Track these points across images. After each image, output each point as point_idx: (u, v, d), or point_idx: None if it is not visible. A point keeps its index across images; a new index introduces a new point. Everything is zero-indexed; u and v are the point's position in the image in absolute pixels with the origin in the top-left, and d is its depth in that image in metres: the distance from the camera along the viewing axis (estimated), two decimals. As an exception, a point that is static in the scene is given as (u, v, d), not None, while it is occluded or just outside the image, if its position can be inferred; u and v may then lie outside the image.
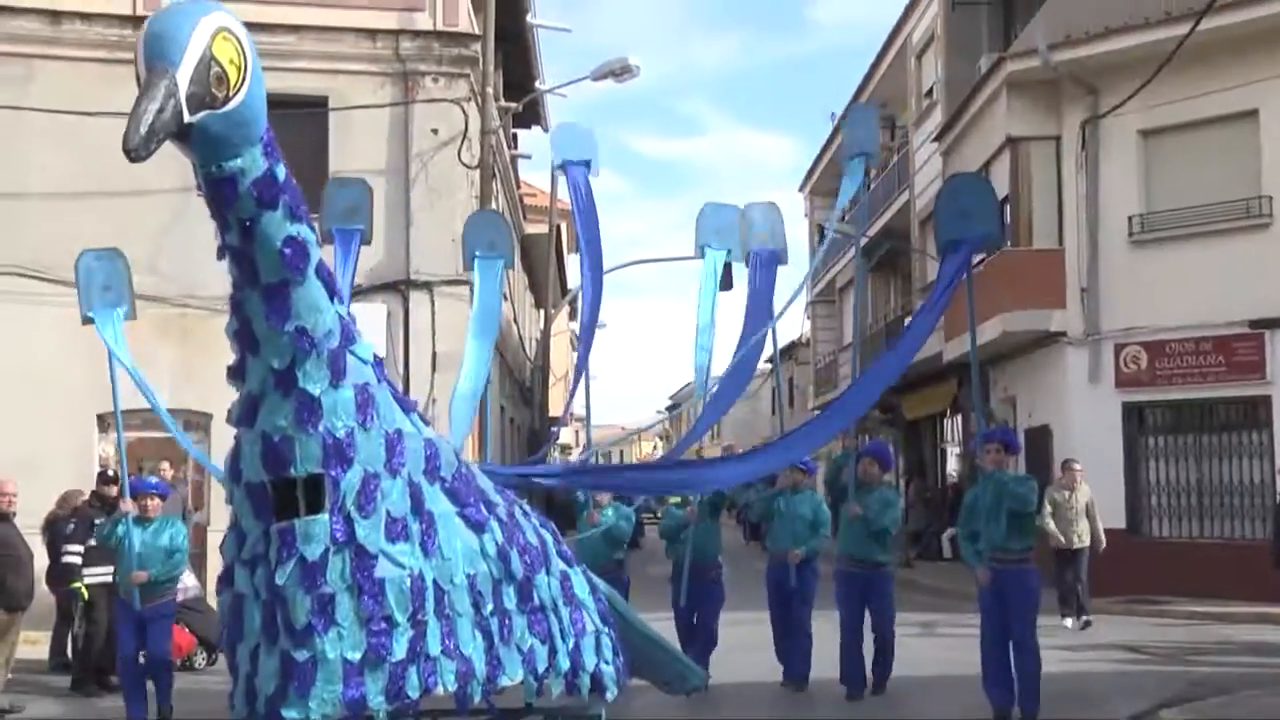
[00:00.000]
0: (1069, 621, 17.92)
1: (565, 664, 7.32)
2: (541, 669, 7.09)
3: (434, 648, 6.31)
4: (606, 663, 7.83)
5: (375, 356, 6.48)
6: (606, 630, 7.96)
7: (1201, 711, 11.86)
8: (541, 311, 34.85)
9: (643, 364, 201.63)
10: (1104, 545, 18.50)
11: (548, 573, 7.38)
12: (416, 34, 20.08)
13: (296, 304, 5.83)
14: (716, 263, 11.51)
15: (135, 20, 19.38)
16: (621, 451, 79.57)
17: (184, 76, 4.99)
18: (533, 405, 32.34)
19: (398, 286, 19.45)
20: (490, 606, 6.71)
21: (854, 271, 38.29)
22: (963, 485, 28.30)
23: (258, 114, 5.54)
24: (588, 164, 10.90)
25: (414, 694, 6.22)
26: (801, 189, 49.83)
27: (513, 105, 26.06)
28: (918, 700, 12.80)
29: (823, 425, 10.27)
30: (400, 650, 6.15)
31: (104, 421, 17.43)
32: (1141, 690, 13.03)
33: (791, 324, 50.27)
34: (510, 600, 6.89)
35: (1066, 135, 23.33)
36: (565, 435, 56.73)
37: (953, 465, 33.32)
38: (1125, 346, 22.58)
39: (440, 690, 6.31)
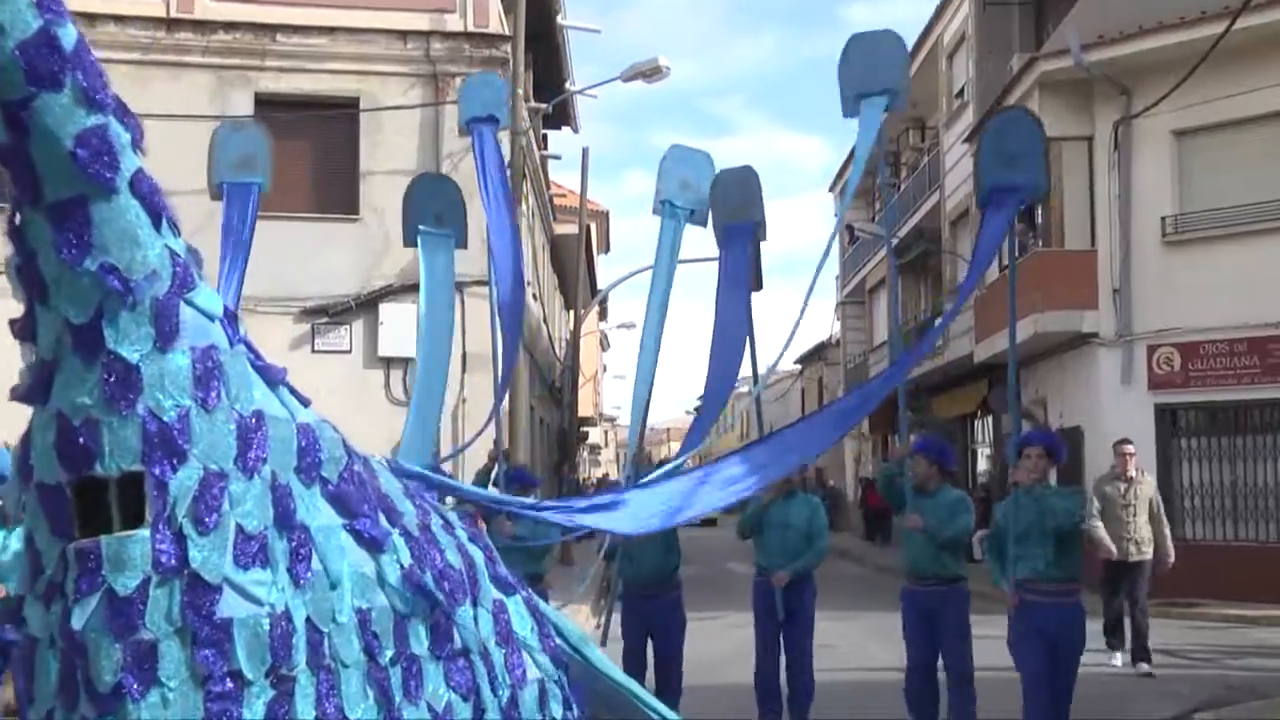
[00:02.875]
0: (1118, 658, 14.92)
1: None
2: None
3: (305, 712, 4.42)
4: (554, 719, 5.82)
5: (228, 311, 4.54)
6: (556, 677, 5.91)
7: (1237, 714, 11.82)
8: (571, 312, 34.90)
9: (671, 364, 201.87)
10: (1172, 559, 15.19)
11: (475, 604, 5.40)
12: (447, 35, 20.21)
13: (101, 230, 3.98)
14: (677, 225, 9.49)
15: (168, 23, 19.74)
16: (650, 452, 79.86)
17: None
18: (562, 406, 32.41)
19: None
20: (391, 653, 4.80)
21: (884, 272, 38.38)
22: (992, 487, 28.18)
23: None
24: (496, 120, 9.08)
25: None
26: (832, 189, 49.86)
27: (543, 106, 26.15)
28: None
29: (835, 418, 7.43)
30: (255, 718, 4.27)
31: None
32: (1175, 694, 12.96)
33: (821, 324, 50.30)
34: (420, 643, 4.98)
35: (1099, 135, 23.32)
36: (594, 435, 56.97)
37: (983, 466, 33.25)
38: (1158, 348, 22.61)
39: None
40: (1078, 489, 9.42)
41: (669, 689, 11.10)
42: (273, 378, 4.67)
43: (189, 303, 4.27)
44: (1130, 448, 14.99)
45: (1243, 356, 21.73)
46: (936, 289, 33.90)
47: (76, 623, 4.06)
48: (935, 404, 34.49)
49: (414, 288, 18.67)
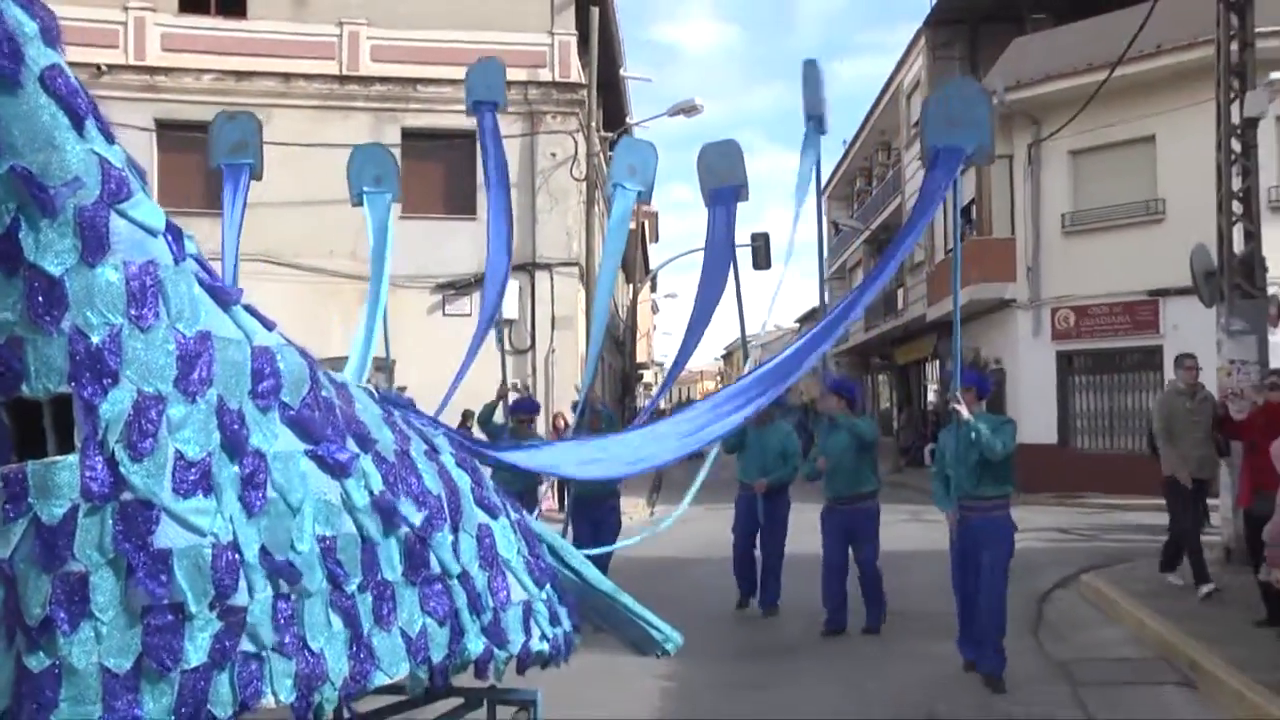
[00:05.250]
0: (1173, 577, 10.68)
1: (477, 646, 4.25)
2: (439, 657, 4.08)
3: (258, 644, 3.36)
4: (543, 638, 4.69)
5: (172, 226, 3.38)
6: (543, 596, 4.78)
7: (1111, 574, 11.85)
8: (631, 285, 34.97)
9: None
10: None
11: (455, 529, 4.32)
12: (540, 84, 20.25)
13: (9, 130, 2.93)
14: (627, 204, 8.61)
15: (340, 79, 19.85)
16: (686, 389, 79.79)
17: None
18: (624, 354, 32.60)
19: (526, 268, 19.70)
20: (358, 580, 3.75)
21: (861, 255, 38.27)
22: (940, 414, 28.24)
23: None
24: (495, 105, 8.08)
25: (223, 712, 3.25)
26: (820, 195, 49.34)
27: (609, 135, 26.15)
28: (900, 572, 10.72)
29: (794, 360, 6.10)
30: (198, 653, 3.19)
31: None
32: (1070, 560, 13.08)
33: (811, 295, 49.83)
34: (393, 569, 3.93)
35: (1017, 154, 23.23)
36: (648, 376, 57.11)
37: (931, 398, 33.32)
38: (1059, 310, 22.70)
39: (270, 701, 3.39)
40: (1008, 419, 8.06)
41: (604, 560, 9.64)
42: (226, 298, 3.53)
43: (122, 214, 3.16)
44: (1192, 361, 10.68)
45: (1118, 316, 21.88)
46: (899, 268, 33.78)
47: (3, 551, 3.09)
48: (897, 352, 34.44)
49: (516, 270, 19.02)
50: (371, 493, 3.86)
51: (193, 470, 3.25)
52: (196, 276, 3.43)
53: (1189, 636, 8.44)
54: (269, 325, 3.71)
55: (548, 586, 4.85)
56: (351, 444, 3.86)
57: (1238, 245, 12.49)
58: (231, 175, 7.78)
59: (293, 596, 3.49)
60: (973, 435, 7.35)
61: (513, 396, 10.75)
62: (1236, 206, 12.53)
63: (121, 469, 3.11)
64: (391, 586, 3.90)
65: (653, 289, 54.46)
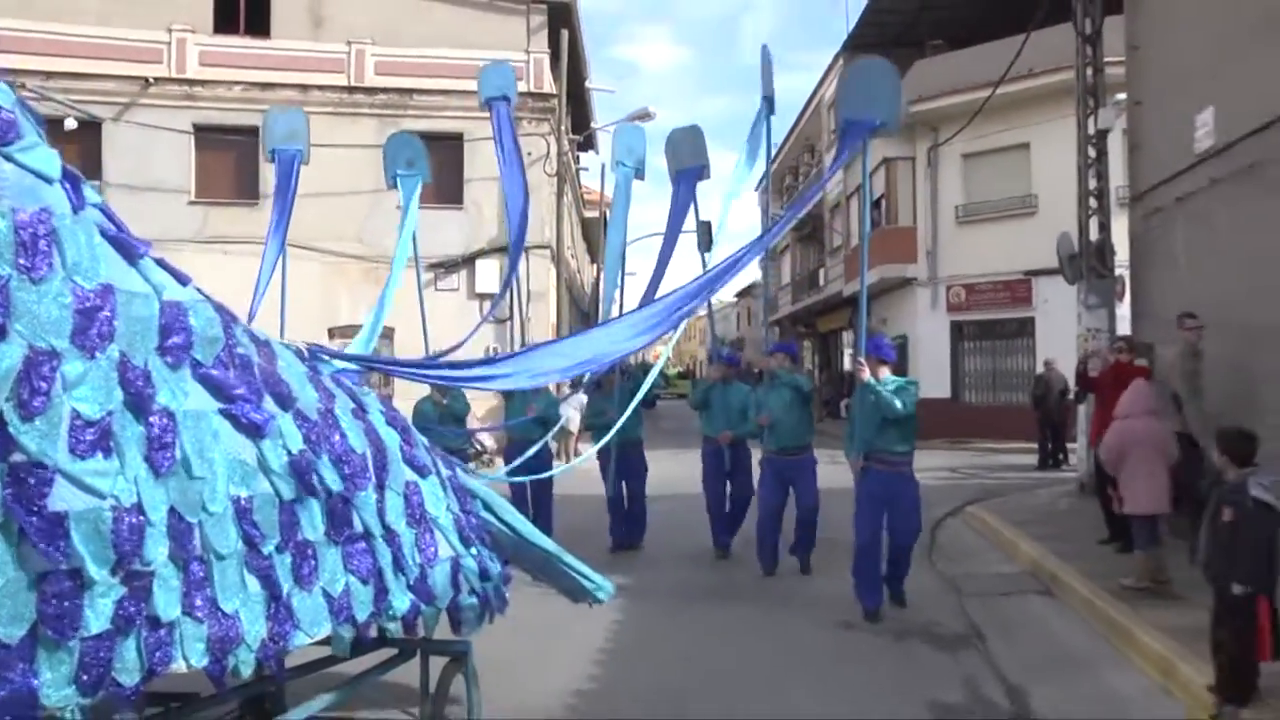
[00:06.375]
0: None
1: (403, 603, 3.70)
2: (364, 615, 3.50)
3: (167, 608, 2.76)
4: (473, 593, 4.13)
5: (70, 173, 2.78)
6: (472, 553, 4.17)
7: (990, 505, 11.98)
8: (595, 265, 34.91)
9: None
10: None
11: (381, 487, 3.69)
12: (519, 94, 20.13)
13: None
14: (628, 175, 8.86)
15: (349, 89, 19.77)
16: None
17: None
18: (589, 322, 32.65)
19: (505, 250, 19.68)
20: (276, 540, 3.16)
21: (789, 240, 38.37)
22: (854, 378, 28.52)
23: None
24: (508, 99, 8.00)
25: (129, 679, 2.66)
26: (758, 189, 49.29)
27: (576, 138, 26.14)
28: (821, 507, 9.12)
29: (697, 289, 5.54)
30: (99, 619, 2.60)
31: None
32: (958, 495, 13.15)
33: (751, 273, 49.87)
34: (314, 529, 3.34)
35: (919, 156, 23.21)
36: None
37: (847, 362, 33.51)
38: (951, 287, 22.72)
39: (181, 666, 2.82)
40: (912, 380, 7.44)
41: (543, 515, 9.28)
42: (132, 250, 2.90)
43: (9, 157, 2.59)
44: (1195, 321, 8.27)
45: (1000, 292, 21.94)
46: (820, 251, 33.88)
47: None
48: (819, 322, 34.55)
49: (499, 250, 19.09)
50: (290, 452, 3.24)
51: (91, 430, 2.63)
52: (100, 227, 2.80)
53: (1050, 555, 8.66)
54: (183, 280, 3.07)
55: (477, 543, 4.22)
56: (270, 403, 3.24)
57: (1093, 234, 12.79)
58: (283, 161, 7.69)
59: (205, 558, 2.90)
60: (872, 396, 7.01)
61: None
62: (1093, 202, 12.82)
63: (11, 429, 2.47)
64: (313, 546, 3.31)
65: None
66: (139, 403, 2.75)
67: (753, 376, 13.90)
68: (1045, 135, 19.90)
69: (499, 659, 5.60)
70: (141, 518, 2.70)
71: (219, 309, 3.17)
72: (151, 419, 2.78)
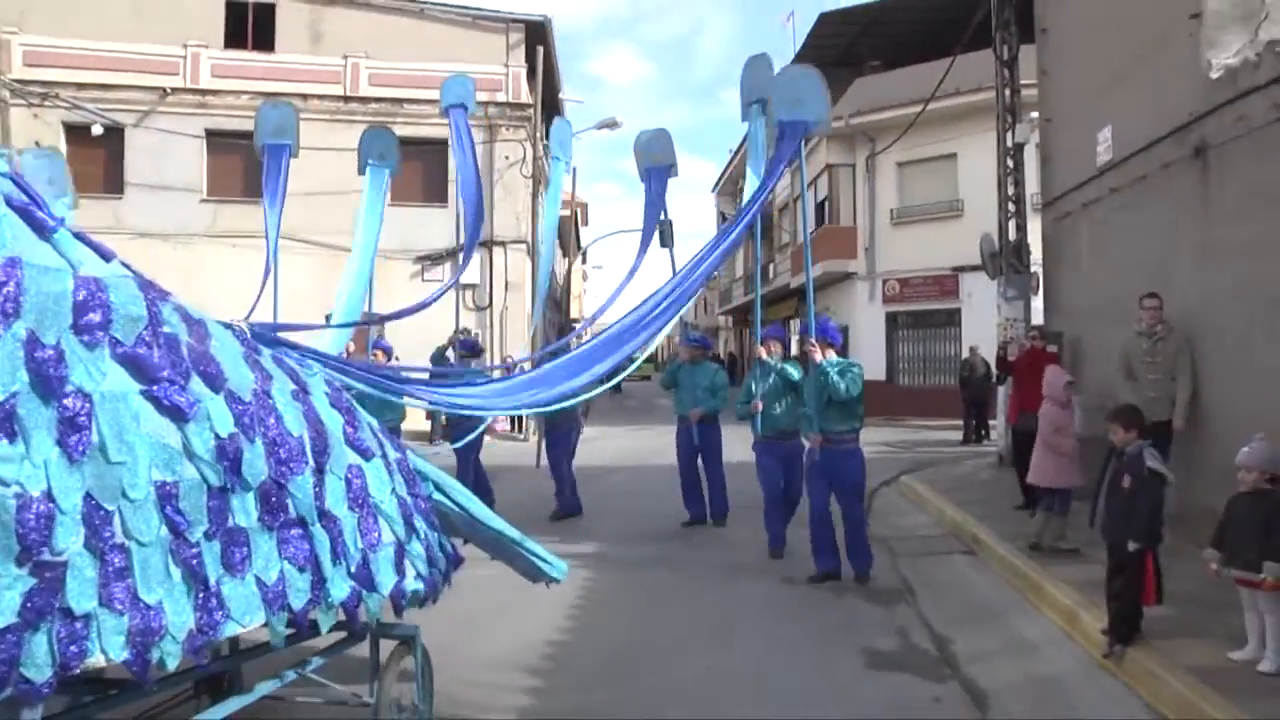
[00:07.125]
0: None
1: (343, 590, 3.13)
2: (301, 603, 2.97)
3: (81, 599, 2.33)
4: (418, 577, 3.51)
5: None
6: (419, 536, 3.57)
7: (923, 475, 12.01)
8: (566, 259, 34.78)
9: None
10: (1179, 422, 7.09)
11: (319, 471, 3.12)
12: (497, 104, 20.03)
13: None
14: (559, 173, 8.69)
15: (345, 99, 19.61)
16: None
17: None
18: (561, 311, 32.54)
19: (486, 244, 19.62)
20: (204, 527, 2.66)
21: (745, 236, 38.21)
22: (807, 364, 28.57)
23: None
24: (465, 108, 7.54)
25: (39, 675, 2.25)
26: (713, 191, 49.40)
27: (550, 143, 25.89)
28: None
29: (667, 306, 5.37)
30: (3, 614, 2.19)
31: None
32: (893, 466, 13.14)
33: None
34: (247, 515, 2.82)
35: (859, 164, 23.23)
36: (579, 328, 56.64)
37: (794, 349, 33.57)
38: (887, 280, 22.78)
39: (99, 661, 2.38)
40: (855, 362, 7.05)
41: (484, 488, 9.14)
42: (44, 224, 2.47)
43: None
44: (1153, 301, 7.40)
45: (930, 285, 22.01)
46: (769, 246, 34.01)
47: None
48: (769, 311, 34.61)
49: (480, 245, 18.93)
50: (218, 435, 2.73)
51: None
52: (8, 197, 2.42)
53: (971, 518, 8.74)
54: (106, 255, 2.64)
55: (426, 526, 3.65)
56: (198, 384, 2.73)
57: (1012, 235, 12.94)
58: (273, 154, 7.13)
59: (126, 546, 2.44)
60: (822, 377, 6.80)
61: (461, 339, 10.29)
62: (1011, 207, 12.98)
63: None
64: (245, 533, 2.80)
65: (584, 261, 54.06)
66: (49, 384, 2.30)
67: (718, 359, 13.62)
68: (970, 147, 19.96)
69: (475, 612, 5.50)
70: (51, 505, 2.26)
71: (146, 286, 2.71)
72: (65, 401, 2.32)
